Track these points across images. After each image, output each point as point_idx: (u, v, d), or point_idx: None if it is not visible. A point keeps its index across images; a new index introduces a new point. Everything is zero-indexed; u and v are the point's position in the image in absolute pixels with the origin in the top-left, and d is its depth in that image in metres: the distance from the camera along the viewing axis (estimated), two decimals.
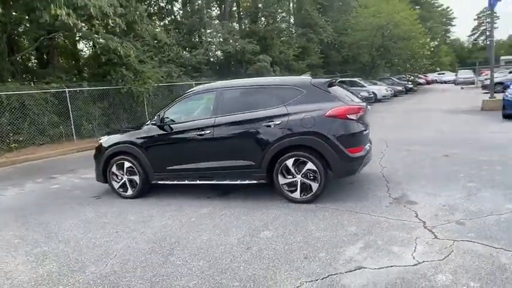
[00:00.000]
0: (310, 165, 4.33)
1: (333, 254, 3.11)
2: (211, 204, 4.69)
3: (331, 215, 4.00)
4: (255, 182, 4.64)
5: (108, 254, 3.46)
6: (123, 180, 5.29)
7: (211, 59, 18.80)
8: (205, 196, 5.06)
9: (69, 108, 11.99)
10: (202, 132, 4.75)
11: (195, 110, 5.23)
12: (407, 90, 27.07)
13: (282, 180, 4.49)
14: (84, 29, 12.31)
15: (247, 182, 4.67)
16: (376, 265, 2.87)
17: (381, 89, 21.35)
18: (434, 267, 2.78)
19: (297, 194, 4.45)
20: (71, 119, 12.10)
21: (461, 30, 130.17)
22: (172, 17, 23.28)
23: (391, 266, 2.84)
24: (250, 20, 23.60)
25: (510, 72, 24.69)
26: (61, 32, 12.83)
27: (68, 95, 11.92)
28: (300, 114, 4.36)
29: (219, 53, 18.77)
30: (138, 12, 13.77)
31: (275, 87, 4.70)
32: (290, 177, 4.45)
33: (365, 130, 4.56)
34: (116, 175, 5.32)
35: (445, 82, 41.04)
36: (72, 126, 12.17)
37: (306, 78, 4.83)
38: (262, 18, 24.03)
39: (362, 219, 3.83)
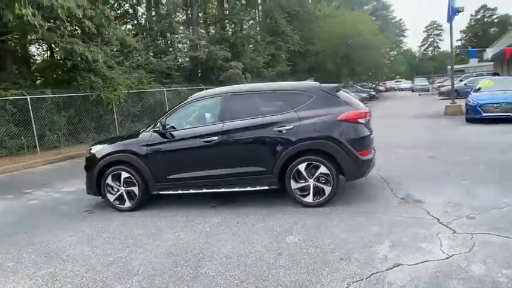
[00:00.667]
0: (323, 169, 4.37)
1: (366, 253, 3.14)
2: (220, 213, 4.56)
3: (347, 217, 4.05)
4: (266, 188, 4.60)
5: (128, 271, 3.23)
6: (119, 192, 5.00)
7: (182, 65, 18.46)
8: (210, 205, 4.91)
9: (31, 117, 11.17)
10: (210, 139, 4.62)
11: (198, 116, 5.08)
12: (371, 97, 28.35)
13: (294, 185, 4.48)
14: (46, 31, 11.59)
15: (257, 188, 4.61)
16: (412, 261, 2.94)
17: None
18: (465, 259, 2.91)
19: (309, 198, 4.46)
20: (34, 129, 11.28)
21: (412, 41, 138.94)
22: (135, 21, 22.69)
23: (426, 261, 2.92)
24: (220, 27, 23.54)
25: (461, 81, 26.69)
26: (15, 34, 12.01)
27: (29, 102, 11.12)
28: (311, 119, 4.40)
29: (189, 58, 18.46)
30: (105, 15, 13.23)
31: (284, 93, 4.71)
32: (302, 181, 4.45)
33: (371, 134, 4.69)
34: (112, 187, 5.01)
35: (402, 89, 43.49)
36: (35, 137, 11.35)
37: (314, 83, 4.88)
38: (232, 25, 24.05)
39: (379, 219, 3.92)
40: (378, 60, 30.05)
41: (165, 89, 16.43)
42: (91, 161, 5.13)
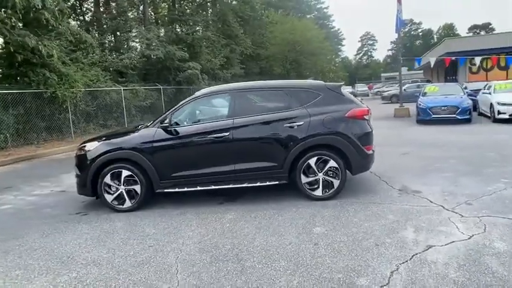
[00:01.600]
0: (332, 163, 4.56)
1: (397, 239, 3.38)
2: (231, 210, 4.53)
3: (360, 208, 4.28)
4: (276, 182, 4.67)
5: (166, 270, 3.10)
6: (118, 192, 4.72)
7: (138, 64, 17.68)
8: (217, 202, 4.86)
9: None
10: (220, 135, 4.58)
11: (206, 112, 4.99)
12: None
13: (304, 179, 4.62)
14: None
15: (267, 183, 4.66)
16: (441, 242, 3.23)
17: None
18: (485, 238, 3.27)
19: (319, 192, 4.62)
20: None
21: (348, 50, 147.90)
22: (82, 17, 21.31)
23: (453, 242, 3.23)
24: (174, 28, 22.98)
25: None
26: None
27: None
28: (321, 116, 4.58)
29: (146, 57, 17.75)
30: (58, 8, 12.25)
31: (293, 90, 4.82)
32: (312, 175, 4.61)
33: (372, 130, 5.00)
34: (109, 186, 4.72)
35: None
36: None
37: (320, 82, 5.07)
38: (186, 26, 23.61)
39: (390, 208, 4.21)
40: (324, 66, 31.65)
41: (122, 88, 15.64)
42: (85, 159, 4.77)
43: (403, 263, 2.93)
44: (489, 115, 11.43)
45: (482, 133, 9.46)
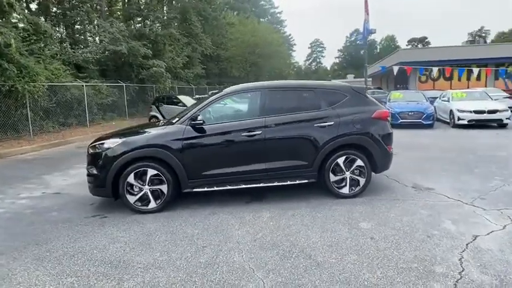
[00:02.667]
0: (359, 162, 4.76)
1: (443, 231, 3.64)
2: (262, 208, 4.52)
3: (389, 204, 4.52)
4: (305, 181, 4.75)
5: (242, 270, 3.04)
6: (142, 192, 4.47)
7: (101, 59, 16.63)
8: (243, 202, 4.81)
9: None
10: (252, 133, 4.55)
11: (234, 110, 4.90)
12: None
13: (332, 178, 4.76)
14: None
15: (297, 182, 4.73)
16: (483, 232, 3.56)
17: None
18: None
19: (346, 190, 4.80)
20: None
21: (298, 56, 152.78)
22: (26, 4, 19.50)
23: (493, 231, 3.58)
24: (135, 22, 21.98)
25: None
26: None
27: None
28: (349, 116, 4.76)
29: (109, 52, 16.76)
30: None
31: (322, 90, 4.94)
32: (340, 174, 4.77)
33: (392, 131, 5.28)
34: (132, 186, 4.45)
35: None
36: None
37: (346, 84, 5.25)
38: (146, 22, 22.72)
39: (417, 204, 4.50)
40: (283, 69, 32.45)
41: (84, 84, 14.61)
42: (105, 158, 4.45)
43: (463, 251, 3.19)
44: (448, 121, 12.61)
45: (449, 137, 10.39)
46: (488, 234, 3.53)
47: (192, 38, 26.36)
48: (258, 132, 4.56)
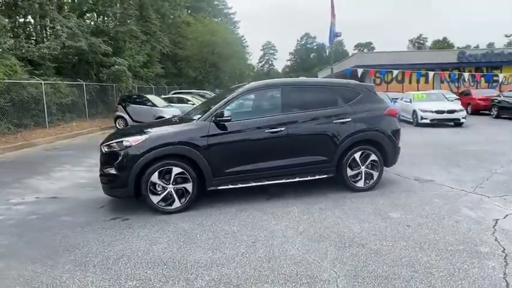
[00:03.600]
0: (373, 157, 5.01)
1: (466, 217, 3.97)
2: (287, 203, 4.57)
3: (403, 196, 4.80)
4: (324, 176, 4.89)
5: (310, 262, 3.08)
6: (167, 191, 4.31)
7: (60, 55, 15.44)
8: (264, 199, 4.82)
9: None
10: (276, 130, 4.59)
11: (255, 107, 4.87)
12: None
13: (349, 172, 4.96)
14: None
15: (317, 177, 4.85)
16: (500, 216, 3.94)
17: None
18: None
19: (361, 183, 5.02)
20: None
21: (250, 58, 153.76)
22: None
23: (507, 215, 3.98)
24: (93, 17, 20.71)
25: None
26: None
27: None
28: (364, 113, 4.99)
29: (68, 48, 15.63)
30: None
31: (338, 88, 5.11)
32: (356, 168, 4.98)
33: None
34: (155, 185, 4.27)
35: None
36: None
37: (358, 82, 5.45)
38: (99, 17, 21.51)
39: (427, 194, 4.84)
40: (243, 71, 32.60)
41: (43, 82, 13.49)
42: (126, 156, 4.21)
43: (493, 233, 3.53)
44: (411, 120, 13.58)
45: (418, 134, 11.16)
46: (505, 217, 3.92)
47: (151, 36, 25.45)
48: (281, 129, 4.61)
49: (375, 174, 5.07)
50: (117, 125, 14.75)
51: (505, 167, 6.29)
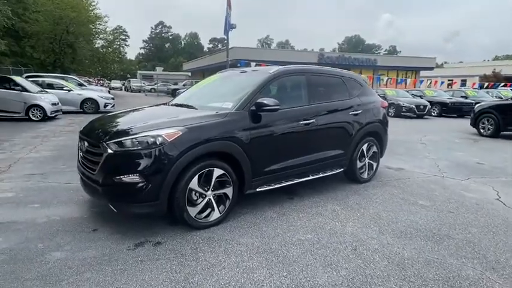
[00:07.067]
0: (375, 148, 5.18)
1: (476, 199, 4.50)
2: (317, 203, 4.20)
3: (401, 184, 5.12)
4: (340, 170, 4.75)
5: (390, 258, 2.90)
6: (205, 200, 3.38)
7: None
8: (285, 198, 4.37)
9: None
10: (309, 122, 4.18)
11: (282, 95, 4.19)
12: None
13: (358, 164, 4.97)
14: None
15: (336, 171, 4.68)
16: (496, 196, 4.66)
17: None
18: None
19: (365, 175, 5.12)
20: None
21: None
22: None
23: (498, 193, 4.76)
24: None
25: (184, 85, 30.87)
26: None
27: None
28: (369, 105, 5.07)
29: None
30: None
31: (347, 79, 4.97)
32: (363, 160, 5.04)
33: None
34: (191, 193, 3.29)
35: (113, 88, 43.21)
36: None
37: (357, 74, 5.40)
38: None
39: (415, 182, 5.29)
40: (107, 55, 28.63)
41: None
42: (158, 157, 3.06)
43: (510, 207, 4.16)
44: None
45: None
46: (500, 197, 4.65)
47: None
48: (312, 121, 4.23)
49: (374, 165, 5.25)
50: None
51: (432, 153, 7.55)
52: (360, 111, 4.87)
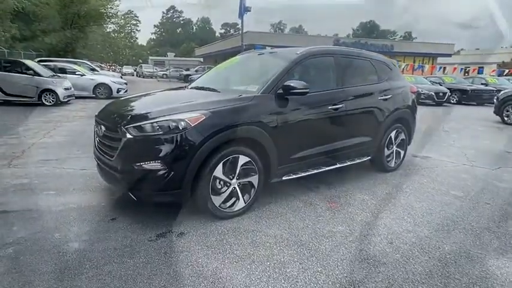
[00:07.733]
0: (402, 135, 4.89)
1: (509, 187, 4.27)
2: (346, 193, 4.00)
3: (430, 173, 4.86)
4: (367, 158, 4.50)
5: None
6: (230, 188, 3.18)
7: None
8: (306, 189, 4.09)
9: None
10: (337, 107, 3.92)
11: (308, 78, 3.92)
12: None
13: (386, 152, 4.71)
14: None
15: (363, 159, 4.43)
16: None
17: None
18: None
19: (392, 163, 4.86)
20: None
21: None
22: None
23: None
24: None
25: (196, 71, 30.59)
26: None
27: None
28: (398, 89, 4.76)
29: None
30: None
31: (376, 61, 4.67)
32: (391, 147, 4.77)
33: None
34: (216, 181, 3.09)
35: (125, 74, 43.17)
36: None
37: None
38: None
39: (443, 169, 5.04)
40: (119, 41, 28.42)
41: None
42: (181, 142, 2.86)
43: None
44: None
45: None
46: None
47: None
48: (341, 106, 3.96)
49: (402, 153, 4.98)
50: None
51: (456, 141, 7.22)
52: (389, 96, 4.57)
